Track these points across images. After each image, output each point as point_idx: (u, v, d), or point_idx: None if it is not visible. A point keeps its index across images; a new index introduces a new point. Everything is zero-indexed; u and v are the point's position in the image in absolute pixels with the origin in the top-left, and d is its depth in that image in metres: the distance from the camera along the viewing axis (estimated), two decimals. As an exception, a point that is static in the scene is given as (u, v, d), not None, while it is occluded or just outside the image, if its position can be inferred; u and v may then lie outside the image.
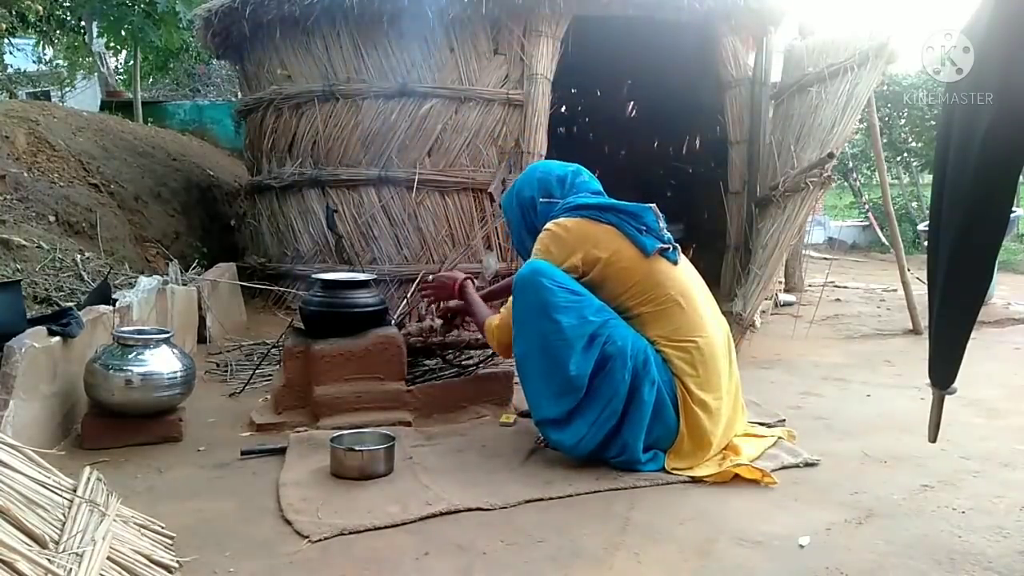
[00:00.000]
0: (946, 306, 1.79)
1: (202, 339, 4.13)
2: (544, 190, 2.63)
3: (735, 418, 2.50)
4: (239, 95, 6.93)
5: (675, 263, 2.45)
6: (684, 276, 2.46)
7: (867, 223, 10.35)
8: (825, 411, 3.07)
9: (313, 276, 3.25)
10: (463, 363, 3.22)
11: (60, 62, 12.70)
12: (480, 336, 2.87)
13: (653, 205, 2.50)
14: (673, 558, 1.82)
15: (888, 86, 9.49)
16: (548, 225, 2.48)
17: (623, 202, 2.49)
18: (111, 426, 2.56)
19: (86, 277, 3.83)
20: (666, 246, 2.43)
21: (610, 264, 2.40)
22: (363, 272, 3.61)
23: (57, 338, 2.55)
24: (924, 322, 4.25)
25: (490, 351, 3.05)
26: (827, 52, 4.50)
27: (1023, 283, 7.27)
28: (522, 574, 1.75)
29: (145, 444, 2.57)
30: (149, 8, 8.57)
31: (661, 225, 2.47)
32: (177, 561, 1.72)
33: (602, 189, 2.67)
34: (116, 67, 13.10)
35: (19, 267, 3.61)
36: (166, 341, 2.67)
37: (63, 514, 1.54)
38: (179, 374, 2.63)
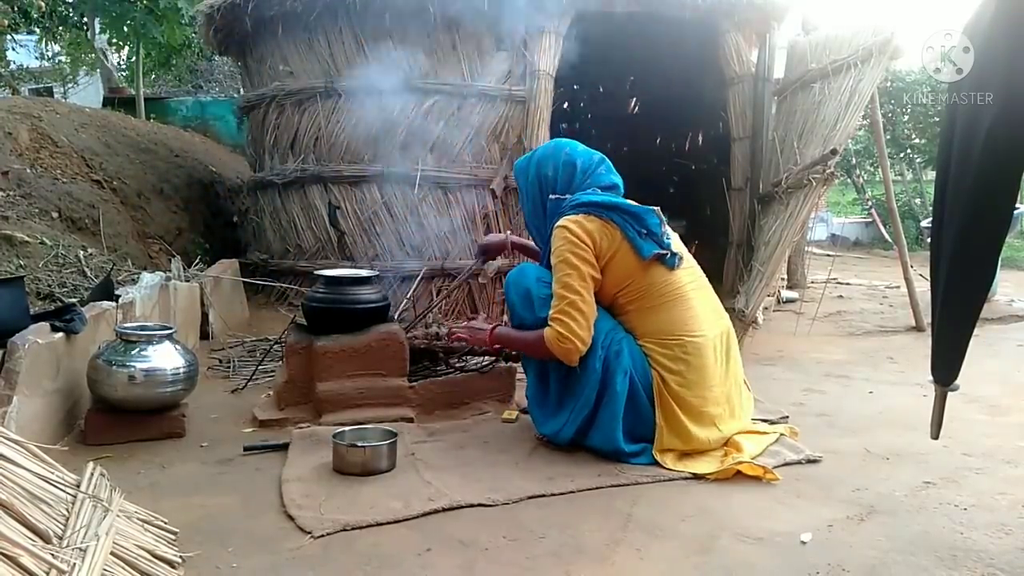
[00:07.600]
0: (949, 303, 1.79)
1: (205, 335, 4.14)
2: (567, 174, 2.58)
3: (735, 412, 2.51)
4: (241, 91, 6.94)
5: (672, 268, 2.45)
6: (680, 280, 2.47)
7: (870, 220, 10.34)
8: (827, 408, 3.07)
9: (315, 272, 3.25)
10: (467, 368, 3.21)
11: (63, 58, 12.72)
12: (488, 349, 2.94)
13: (657, 208, 2.51)
14: (675, 554, 1.83)
15: (891, 82, 9.48)
16: (562, 223, 2.45)
17: (628, 202, 2.49)
18: (114, 422, 2.57)
19: (89, 273, 3.83)
20: (664, 252, 2.43)
21: (611, 259, 2.44)
22: (365, 268, 3.61)
23: (60, 334, 2.56)
24: (927, 319, 4.25)
25: (490, 358, 3.07)
26: (830, 48, 4.49)
27: (1026, 280, 7.27)
28: (524, 570, 1.76)
29: (148, 440, 2.58)
30: (151, 4, 8.56)
31: (664, 230, 2.47)
32: (180, 556, 1.72)
33: (619, 183, 2.62)
34: (118, 63, 13.12)
35: (22, 263, 3.61)
36: (169, 337, 2.68)
37: (67, 509, 1.54)
38: (182, 370, 2.63)
